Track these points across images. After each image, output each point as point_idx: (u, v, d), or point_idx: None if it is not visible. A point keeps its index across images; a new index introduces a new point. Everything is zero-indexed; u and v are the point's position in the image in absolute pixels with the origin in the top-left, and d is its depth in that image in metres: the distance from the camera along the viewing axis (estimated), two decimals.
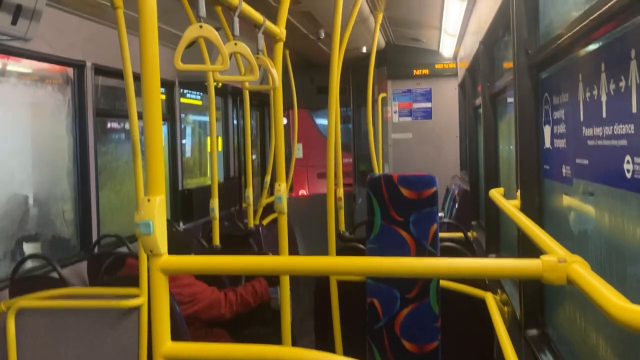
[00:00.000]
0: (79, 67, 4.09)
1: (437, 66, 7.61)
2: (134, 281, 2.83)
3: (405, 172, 3.07)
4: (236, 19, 2.01)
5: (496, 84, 3.68)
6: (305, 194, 10.36)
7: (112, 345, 2.86)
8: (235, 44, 2.01)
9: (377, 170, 5.27)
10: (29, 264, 3.61)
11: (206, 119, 5.93)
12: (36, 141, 4.11)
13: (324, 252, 3.12)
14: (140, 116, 1.47)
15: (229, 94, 7.02)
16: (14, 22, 3.13)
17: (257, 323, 3.74)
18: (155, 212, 1.31)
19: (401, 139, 7.78)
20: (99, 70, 4.29)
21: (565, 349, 2.02)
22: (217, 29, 1.90)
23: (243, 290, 3.49)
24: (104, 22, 4.17)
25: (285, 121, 8.76)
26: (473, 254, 3.76)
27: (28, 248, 3.89)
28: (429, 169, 6.07)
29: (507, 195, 2.72)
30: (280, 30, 2.31)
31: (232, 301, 3.41)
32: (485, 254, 3.87)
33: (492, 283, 3.00)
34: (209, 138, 5.21)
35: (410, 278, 2.78)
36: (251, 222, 5.02)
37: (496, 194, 2.66)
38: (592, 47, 1.59)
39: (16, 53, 3.50)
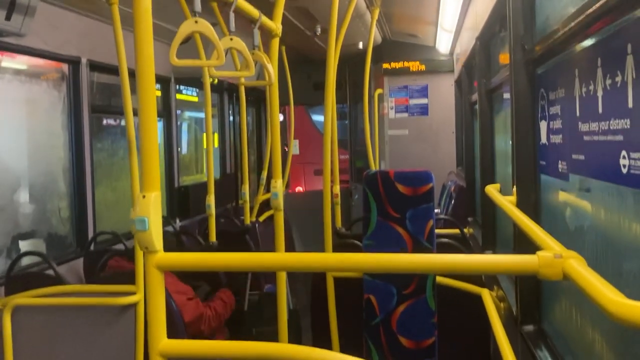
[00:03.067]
0: (74, 63, 4.07)
1: (433, 62, 7.61)
2: (131, 278, 2.83)
3: (402, 168, 3.06)
4: (232, 14, 2.00)
5: (492, 79, 3.67)
6: (301, 190, 10.37)
7: (109, 342, 2.86)
8: (231, 39, 2.01)
9: (374, 166, 5.26)
10: (24, 261, 3.60)
11: (202, 115, 5.91)
12: (31, 138, 4.09)
13: (321, 248, 3.12)
14: (135, 113, 1.46)
15: (225, 90, 7.00)
16: (7, 18, 3.11)
17: (264, 321, 3.75)
18: (151, 208, 1.30)
19: (398, 135, 7.78)
20: (95, 67, 4.28)
21: (561, 345, 2.03)
22: (213, 25, 1.89)
23: (216, 305, 3.48)
24: (100, 17, 4.15)
25: (281, 117, 8.75)
26: (469, 250, 3.76)
27: (24, 245, 3.87)
28: (426, 165, 6.07)
29: (503, 192, 2.72)
30: (276, 25, 2.31)
31: (210, 318, 3.39)
32: (481, 250, 3.87)
33: (488, 279, 3.00)
34: (205, 134, 5.20)
35: (406, 274, 2.78)
36: (247, 219, 5.01)
37: (492, 190, 2.66)
38: (589, 42, 1.59)
39: (10, 49, 3.48)
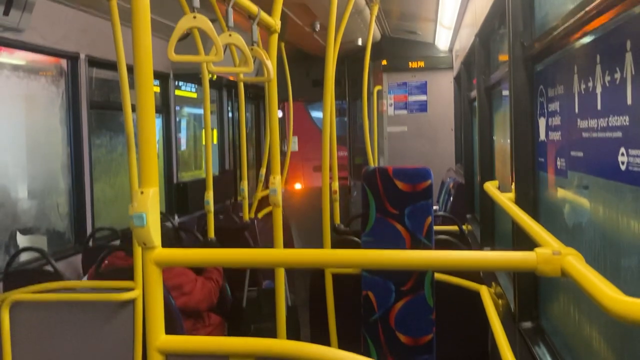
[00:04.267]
0: (73, 58, 4.06)
1: (432, 59, 7.60)
2: (129, 274, 2.83)
3: (401, 165, 3.06)
4: (230, 10, 1.99)
5: (491, 76, 3.67)
6: (300, 187, 10.37)
7: (108, 338, 2.85)
8: (230, 35, 2.00)
9: (373, 163, 5.26)
10: (23, 257, 3.60)
11: (201, 111, 5.90)
12: (30, 134, 4.08)
13: (319, 245, 3.12)
14: (134, 108, 1.46)
15: (224, 86, 6.99)
16: (6, 13, 3.10)
17: (262, 317, 3.76)
18: (149, 204, 1.30)
19: (396, 132, 7.78)
20: (93, 62, 4.27)
21: (559, 341, 2.03)
22: (212, 21, 1.88)
23: (211, 274, 3.59)
24: (98, 13, 4.14)
25: (280, 114, 8.74)
26: (468, 246, 3.77)
27: (22, 241, 3.87)
28: (424, 162, 6.07)
29: (502, 188, 2.72)
30: (275, 21, 2.30)
31: (216, 291, 3.52)
32: (480, 247, 3.87)
33: (486, 276, 3.00)
34: (203, 130, 5.20)
35: (405, 271, 2.78)
36: (246, 215, 5.01)
37: (491, 186, 2.66)
38: (588, 39, 1.59)
39: (9, 44, 3.47)
